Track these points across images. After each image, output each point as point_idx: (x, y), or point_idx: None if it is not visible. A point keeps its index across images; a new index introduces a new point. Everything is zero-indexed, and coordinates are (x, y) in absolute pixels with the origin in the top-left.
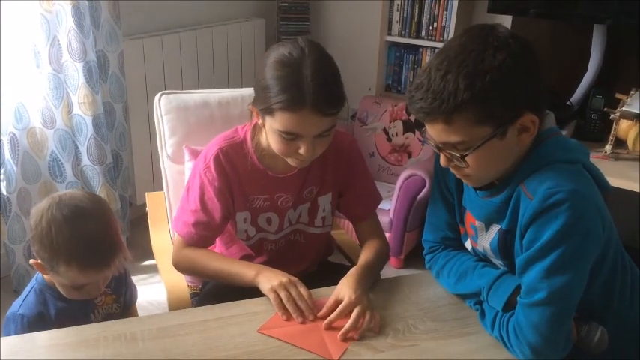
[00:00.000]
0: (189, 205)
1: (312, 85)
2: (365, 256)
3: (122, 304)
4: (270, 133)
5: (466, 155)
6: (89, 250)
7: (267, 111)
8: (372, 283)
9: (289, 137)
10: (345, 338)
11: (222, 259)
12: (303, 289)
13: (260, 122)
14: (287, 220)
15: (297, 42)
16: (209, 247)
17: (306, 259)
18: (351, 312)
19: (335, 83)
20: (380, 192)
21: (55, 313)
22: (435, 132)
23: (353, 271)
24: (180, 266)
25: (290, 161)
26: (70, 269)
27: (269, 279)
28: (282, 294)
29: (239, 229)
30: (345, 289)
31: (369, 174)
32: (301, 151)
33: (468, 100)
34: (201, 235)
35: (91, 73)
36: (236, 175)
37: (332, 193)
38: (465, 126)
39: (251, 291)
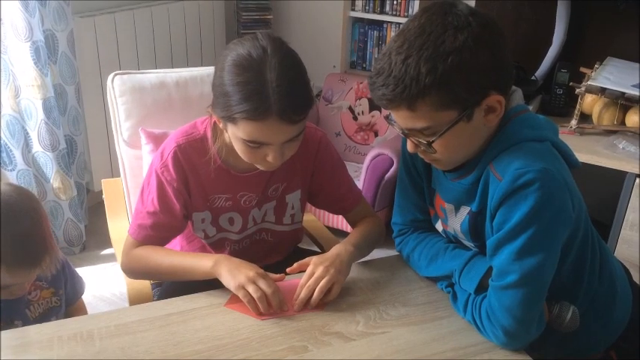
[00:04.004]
0: (146, 207)
1: (277, 92)
2: (347, 239)
3: (63, 298)
4: (234, 140)
5: (433, 141)
6: (19, 249)
7: (229, 119)
8: (351, 263)
9: (255, 145)
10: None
11: (175, 254)
12: (270, 282)
13: (222, 126)
14: (251, 220)
15: (257, 39)
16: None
17: (274, 255)
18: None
19: (302, 86)
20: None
21: None
22: (399, 118)
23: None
24: (132, 269)
25: (259, 166)
26: None
27: (233, 274)
28: (251, 289)
29: (196, 228)
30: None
31: (343, 169)
32: (269, 158)
33: (431, 84)
34: (160, 237)
35: (39, 54)
36: (195, 173)
37: (301, 190)
38: (429, 111)
39: (215, 280)
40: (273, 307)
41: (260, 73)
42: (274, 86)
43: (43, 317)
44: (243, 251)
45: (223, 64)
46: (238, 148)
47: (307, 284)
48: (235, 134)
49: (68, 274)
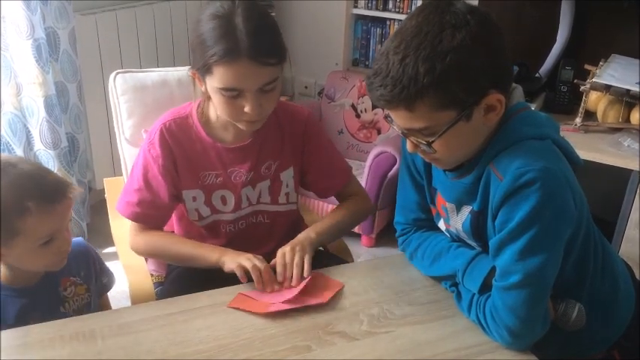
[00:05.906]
0: (133, 184)
1: (245, 33)
2: (315, 225)
3: (94, 293)
4: (214, 94)
5: (432, 141)
6: (42, 184)
7: (206, 69)
8: (313, 248)
9: (231, 94)
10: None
11: (184, 242)
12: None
13: (203, 88)
14: (245, 199)
15: None
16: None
17: (272, 239)
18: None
19: (271, 31)
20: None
21: (16, 314)
22: (398, 119)
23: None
24: (140, 251)
25: (240, 125)
26: (29, 216)
27: (233, 258)
28: (247, 264)
29: (189, 209)
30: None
31: (331, 146)
32: (247, 109)
33: (429, 84)
34: (148, 214)
35: (41, 52)
36: (182, 150)
37: (293, 167)
38: (428, 112)
39: (218, 279)
40: (264, 279)
41: (229, 19)
42: (241, 28)
43: (77, 314)
44: (240, 233)
45: (199, 19)
46: (218, 104)
47: (282, 264)
48: (213, 86)
49: (99, 268)
